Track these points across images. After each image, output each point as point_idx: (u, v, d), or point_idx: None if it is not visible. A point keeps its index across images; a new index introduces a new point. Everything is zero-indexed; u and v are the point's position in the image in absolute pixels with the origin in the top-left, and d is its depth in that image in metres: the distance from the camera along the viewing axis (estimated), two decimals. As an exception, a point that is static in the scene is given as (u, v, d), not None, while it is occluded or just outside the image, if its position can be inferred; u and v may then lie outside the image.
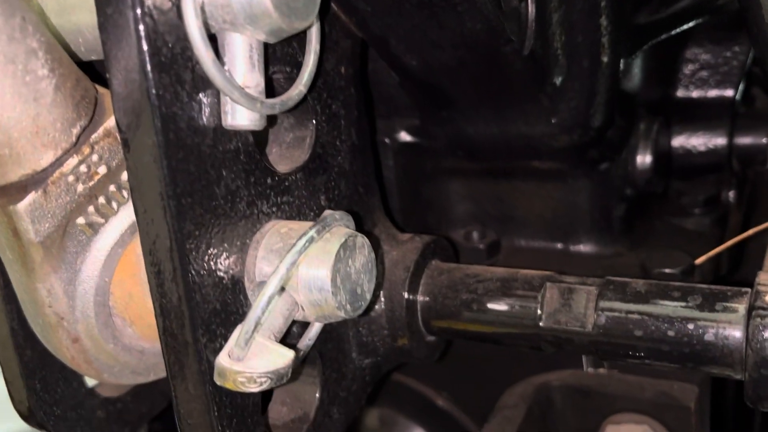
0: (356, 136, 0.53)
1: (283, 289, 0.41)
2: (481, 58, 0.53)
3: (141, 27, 0.36)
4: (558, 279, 0.51)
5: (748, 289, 0.46)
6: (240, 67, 0.40)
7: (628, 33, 0.60)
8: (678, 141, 0.79)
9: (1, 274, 0.49)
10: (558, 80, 0.57)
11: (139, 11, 0.36)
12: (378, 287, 0.53)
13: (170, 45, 0.38)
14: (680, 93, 0.80)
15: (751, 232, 0.65)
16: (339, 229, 0.44)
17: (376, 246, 0.54)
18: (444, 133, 0.65)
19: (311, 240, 0.41)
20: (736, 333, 0.44)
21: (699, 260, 0.63)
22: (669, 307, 0.46)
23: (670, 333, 0.46)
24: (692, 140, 0.79)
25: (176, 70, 0.38)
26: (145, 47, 0.36)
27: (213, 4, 0.38)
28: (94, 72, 0.47)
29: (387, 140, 0.66)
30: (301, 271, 0.41)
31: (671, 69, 0.78)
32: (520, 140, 0.62)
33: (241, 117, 0.41)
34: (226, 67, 0.40)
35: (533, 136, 0.61)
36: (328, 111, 0.51)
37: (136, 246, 0.46)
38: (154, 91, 0.37)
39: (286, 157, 0.49)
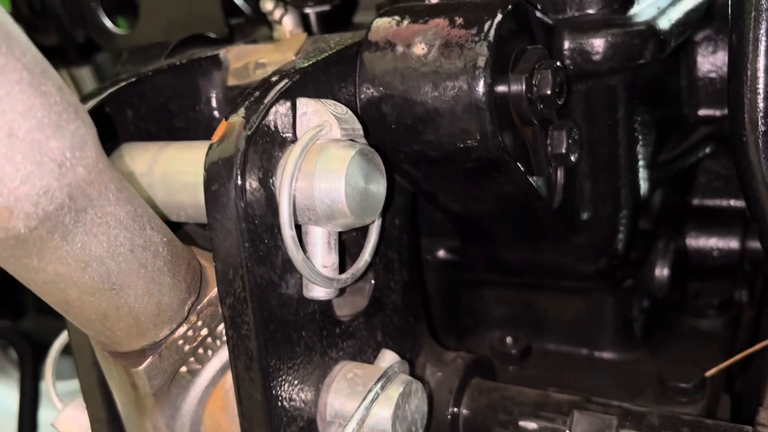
0: (407, 274, 0.62)
1: (353, 435, 0.49)
2: (517, 210, 0.61)
3: (244, 228, 0.45)
4: (584, 406, 0.59)
5: (750, 428, 0.53)
6: (320, 252, 0.48)
7: (648, 173, 0.68)
8: (694, 245, 0.86)
9: (105, 402, 0.58)
10: (584, 221, 0.65)
11: (243, 219, 0.44)
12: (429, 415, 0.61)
13: (266, 241, 0.46)
14: (696, 201, 0.87)
15: (758, 346, 0.72)
16: (398, 377, 0.52)
17: (422, 376, 0.62)
18: (482, 255, 0.73)
19: (377, 395, 0.49)
20: (739, 468, 0.51)
21: (709, 373, 0.70)
22: (680, 442, 0.54)
23: (680, 466, 0.53)
24: (708, 244, 0.86)
25: (270, 259, 0.47)
26: (246, 245, 0.45)
27: (301, 207, 0.46)
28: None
29: (429, 258, 0.75)
30: (370, 418, 0.50)
31: (688, 181, 0.86)
32: (551, 265, 0.70)
33: (318, 291, 0.49)
34: (308, 252, 0.48)
35: (562, 263, 0.69)
36: (384, 259, 0.59)
37: (224, 383, 0.54)
38: (251, 278, 0.46)
39: (348, 303, 0.58)
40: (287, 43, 0.61)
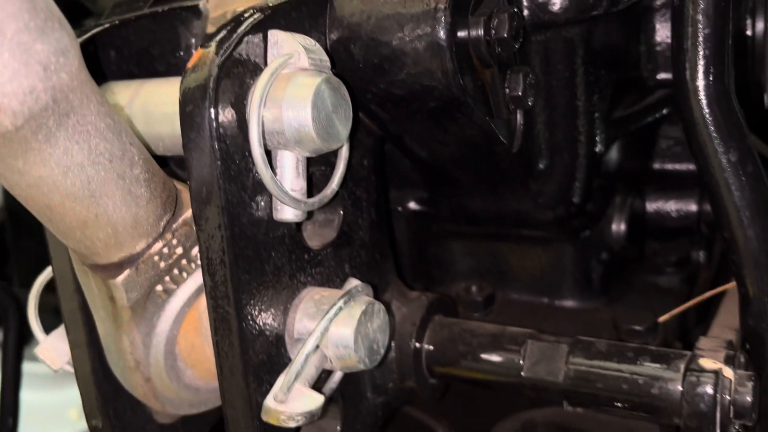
0: (375, 213, 0.65)
1: (317, 346, 0.53)
2: (479, 154, 0.65)
3: (216, 148, 0.48)
4: (537, 337, 0.63)
5: (689, 352, 0.57)
6: (288, 175, 0.52)
7: (604, 127, 0.72)
8: (653, 207, 0.90)
9: (85, 326, 0.61)
10: (542, 169, 0.69)
11: (216, 138, 0.48)
12: (390, 339, 0.65)
13: (237, 161, 0.50)
14: (656, 165, 0.91)
15: (707, 294, 0.76)
16: (361, 297, 0.55)
17: (388, 307, 0.65)
18: (448, 204, 0.76)
19: (339, 309, 0.53)
20: (676, 387, 0.55)
21: (662, 318, 0.74)
22: (624, 365, 0.58)
23: (624, 386, 0.57)
24: (666, 206, 0.90)
25: (241, 179, 0.50)
26: (218, 163, 0.48)
27: (270, 131, 0.50)
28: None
29: (399, 208, 0.78)
30: (331, 333, 0.53)
31: (648, 144, 0.90)
32: (511, 213, 0.74)
33: (288, 213, 0.53)
34: (278, 176, 0.51)
35: (523, 210, 0.73)
36: (353, 196, 0.62)
37: (198, 305, 0.57)
38: (224, 195, 0.49)
39: (318, 234, 0.61)
40: (264, -9, 0.65)
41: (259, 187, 0.51)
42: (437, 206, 0.77)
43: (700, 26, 0.53)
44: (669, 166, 0.91)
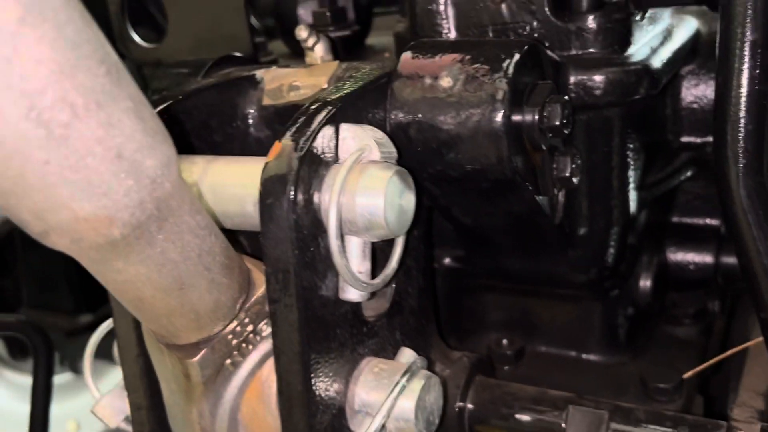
0: (423, 280, 0.68)
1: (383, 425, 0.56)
2: (522, 224, 0.68)
3: (294, 238, 0.51)
4: (578, 401, 0.66)
5: (725, 423, 0.61)
6: (355, 259, 0.55)
7: (637, 194, 0.75)
8: (673, 259, 0.94)
9: (147, 390, 0.64)
10: (579, 236, 0.72)
11: (294, 229, 0.51)
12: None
13: (311, 249, 0.52)
14: (676, 219, 0.95)
15: (729, 353, 0.80)
16: (420, 372, 0.58)
17: (432, 369, 0.68)
18: (484, 263, 0.80)
19: (403, 387, 0.56)
20: (714, 458, 0.59)
21: (686, 376, 0.78)
22: (663, 434, 0.61)
23: (664, 455, 0.60)
24: (685, 259, 0.94)
25: (314, 264, 0.53)
26: (296, 252, 0.51)
27: (343, 219, 0.53)
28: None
29: (436, 265, 0.81)
30: (394, 411, 0.56)
31: (669, 200, 0.93)
32: (546, 274, 0.77)
33: (353, 294, 0.56)
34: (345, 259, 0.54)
35: (557, 272, 0.77)
36: (404, 266, 0.65)
37: (261, 374, 0.60)
38: (299, 281, 0.52)
39: (372, 305, 0.64)
40: (320, 68, 0.67)
41: (329, 270, 0.54)
42: (473, 264, 0.81)
43: (742, 123, 0.56)
44: (688, 220, 0.95)
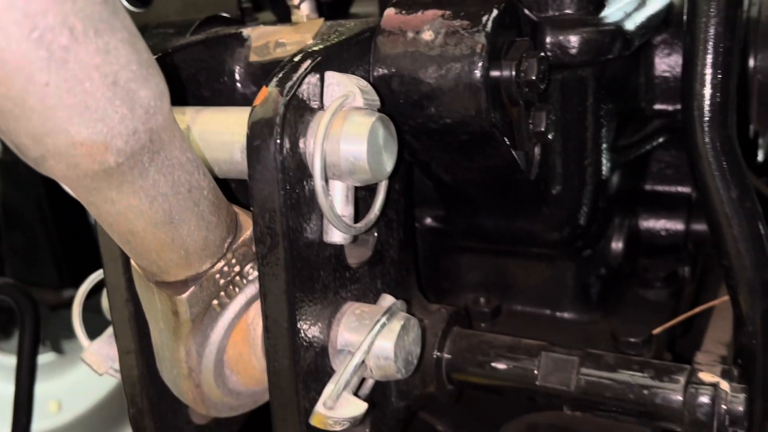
0: (403, 233, 0.71)
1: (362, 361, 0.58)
2: (499, 180, 0.71)
3: (280, 179, 0.53)
4: (550, 348, 0.69)
5: (688, 366, 0.64)
6: (339, 203, 0.57)
7: (609, 156, 0.78)
8: (645, 225, 0.97)
9: (135, 334, 0.66)
10: (554, 194, 0.75)
11: (280, 170, 0.53)
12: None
13: (297, 191, 0.55)
14: (648, 186, 0.98)
15: (697, 310, 0.83)
16: (399, 313, 0.61)
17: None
18: (463, 222, 0.82)
19: (383, 325, 0.58)
20: (678, 398, 0.62)
21: (655, 331, 0.81)
22: (630, 376, 0.64)
23: (631, 396, 0.63)
24: (657, 225, 0.97)
25: (299, 206, 0.55)
26: (281, 192, 0.53)
27: (327, 164, 0.55)
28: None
29: (417, 225, 0.84)
30: (374, 346, 0.59)
31: (642, 168, 0.97)
32: (521, 233, 0.80)
33: (337, 236, 0.58)
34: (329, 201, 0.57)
35: (532, 230, 0.79)
36: (385, 218, 0.68)
37: (247, 317, 0.62)
38: (285, 221, 0.54)
39: (355, 253, 0.66)
40: (305, 26, 0.69)
41: (314, 213, 0.56)
42: (452, 224, 0.83)
43: (708, 77, 0.59)
44: (659, 188, 0.98)
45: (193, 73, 0.69)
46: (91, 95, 0.40)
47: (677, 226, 0.97)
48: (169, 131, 0.47)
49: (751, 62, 0.86)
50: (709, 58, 0.59)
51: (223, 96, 0.71)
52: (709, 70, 0.59)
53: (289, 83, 0.54)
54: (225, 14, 0.79)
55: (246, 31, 0.72)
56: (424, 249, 0.86)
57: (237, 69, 0.71)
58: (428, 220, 0.84)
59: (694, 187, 0.96)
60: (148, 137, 0.45)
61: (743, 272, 0.61)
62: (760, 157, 1.10)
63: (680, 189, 0.97)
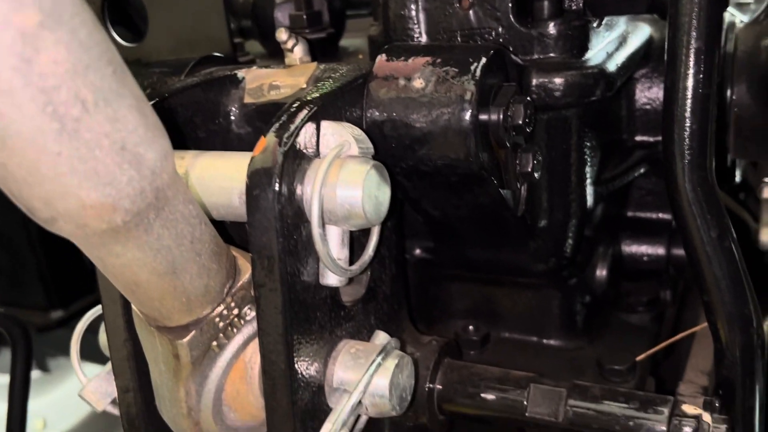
0: (395, 268, 0.73)
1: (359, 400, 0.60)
2: (487, 215, 0.73)
3: (279, 227, 0.55)
4: (539, 381, 0.71)
5: (671, 397, 0.67)
6: (335, 247, 0.59)
7: (593, 189, 0.81)
8: (627, 251, 1.00)
9: (135, 373, 0.67)
10: (540, 228, 0.77)
11: (278, 219, 0.55)
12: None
13: (294, 237, 0.57)
14: (630, 213, 1.01)
15: (678, 337, 0.86)
16: (394, 352, 0.63)
17: (404, 351, 0.73)
18: (450, 254, 0.85)
19: (378, 365, 0.60)
20: (662, 428, 0.65)
21: (639, 358, 0.83)
22: (616, 408, 0.67)
23: (617, 427, 0.66)
24: (639, 250, 1.00)
25: (297, 252, 0.57)
26: (280, 240, 0.55)
27: (324, 210, 0.57)
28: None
29: (407, 256, 0.86)
30: (370, 385, 0.60)
31: (624, 195, 1.00)
32: (509, 264, 0.83)
33: (333, 279, 0.60)
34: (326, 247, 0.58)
35: (519, 262, 0.82)
36: (378, 255, 0.70)
37: (244, 356, 0.64)
38: (283, 267, 0.56)
39: (348, 291, 0.68)
40: (299, 69, 0.71)
41: (310, 257, 0.58)
42: (441, 255, 0.85)
43: (687, 123, 0.62)
44: (641, 214, 1.01)
45: (190, 115, 0.70)
46: (101, 161, 0.42)
47: (658, 251, 0.99)
48: (173, 187, 0.49)
49: (728, 94, 0.89)
50: (689, 105, 0.61)
51: (218, 137, 0.73)
52: (688, 117, 0.61)
53: (287, 133, 0.56)
54: (218, 54, 0.81)
55: (241, 73, 0.74)
56: (415, 278, 0.88)
57: (232, 110, 0.73)
58: (418, 251, 0.86)
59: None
60: (154, 195, 0.47)
61: (723, 307, 0.64)
62: (737, 178, 1.13)
63: (661, 215, 1.00)
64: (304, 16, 0.86)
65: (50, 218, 0.44)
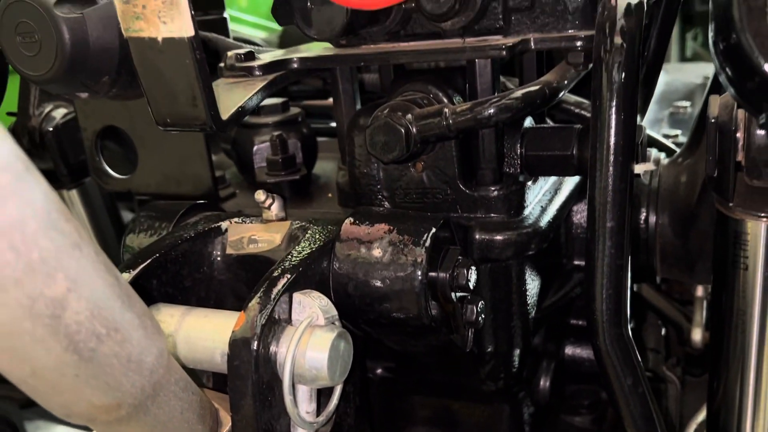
0: (359, 400, 0.82)
1: None
2: (440, 352, 0.84)
3: (256, 392, 0.65)
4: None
5: None
6: (303, 403, 0.69)
7: (536, 317, 0.92)
8: (570, 354, 1.11)
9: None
10: (487, 355, 0.88)
11: (256, 384, 0.64)
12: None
13: (269, 398, 0.66)
14: (573, 321, 1.12)
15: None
16: (356, 487, 0.72)
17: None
18: (411, 375, 0.95)
19: (342, 504, 0.70)
20: None
21: (579, 464, 0.94)
22: None
23: None
24: (581, 354, 1.11)
25: (271, 409, 0.66)
26: (257, 403, 0.65)
27: (295, 374, 0.67)
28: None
29: (370, 375, 0.96)
30: None
31: (568, 307, 1.11)
32: (463, 384, 0.93)
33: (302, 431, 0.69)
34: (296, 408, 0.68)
35: (472, 383, 0.92)
36: (344, 393, 0.79)
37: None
38: (260, 424, 0.65)
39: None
40: (275, 226, 0.82)
41: (282, 413, 0.68)
42: (401, 375, 0.95)
43: (605, 289, 0.73)
44: (582, 322, 1.12)
45: (178, 269, 0.80)
46: (111, 375, 0.52)
47: (599, 356, 1.10)
48: (167, 375, 0.59)
49: (652, 220, 1.01)
50: (606, 274, 0.72)
51: (202, 284, 0.82)
52: (606, 285, 0.72)
53: (264, 311, 0.66)
54: (202, 201, 0.91)
55: (224, 225, 0.83)
56: (377, 394, 0.97)
57: (215, 260, 0.83)
58: (380, 371, 0.96)
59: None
60: (152, 388, 0.56)
61: (638, 442, 0.75)
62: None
63: (601, 324, 1.11)
64: (280, 160, 0.97)
65: (65, 415, 0.53)
